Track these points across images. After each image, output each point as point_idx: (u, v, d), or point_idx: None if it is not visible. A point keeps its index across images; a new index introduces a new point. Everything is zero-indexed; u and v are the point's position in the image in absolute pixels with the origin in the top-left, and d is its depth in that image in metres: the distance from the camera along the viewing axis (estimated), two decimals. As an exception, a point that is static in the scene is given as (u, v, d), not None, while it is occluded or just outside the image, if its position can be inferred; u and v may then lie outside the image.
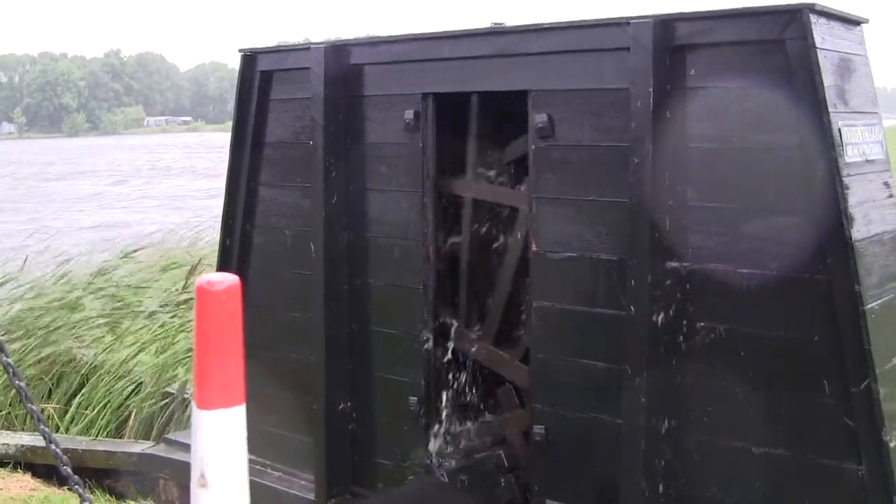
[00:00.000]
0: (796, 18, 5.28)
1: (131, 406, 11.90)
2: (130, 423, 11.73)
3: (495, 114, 7.13)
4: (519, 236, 6.92)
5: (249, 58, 8.08)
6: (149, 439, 10.95)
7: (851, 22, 5.69)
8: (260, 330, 7.90)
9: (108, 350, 12.95)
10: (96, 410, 11.98)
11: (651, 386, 5.84)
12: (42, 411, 11.78)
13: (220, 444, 3.22)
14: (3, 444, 10.46)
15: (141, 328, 13.48)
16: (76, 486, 4.12)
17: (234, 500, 3.24)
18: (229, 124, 8.50)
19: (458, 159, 7.27)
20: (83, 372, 12.66)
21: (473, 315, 7.41)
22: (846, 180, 5.22)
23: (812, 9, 5.26)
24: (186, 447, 8.18)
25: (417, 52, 7.14)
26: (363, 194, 7.49)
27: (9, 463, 10.26)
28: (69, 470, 4.18)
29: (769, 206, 5.51)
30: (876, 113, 5.79)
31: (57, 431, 11.77)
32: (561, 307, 6.42)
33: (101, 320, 13.93)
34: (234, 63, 8.26)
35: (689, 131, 5.76)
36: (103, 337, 13.46)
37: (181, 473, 8.86)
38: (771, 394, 5.58)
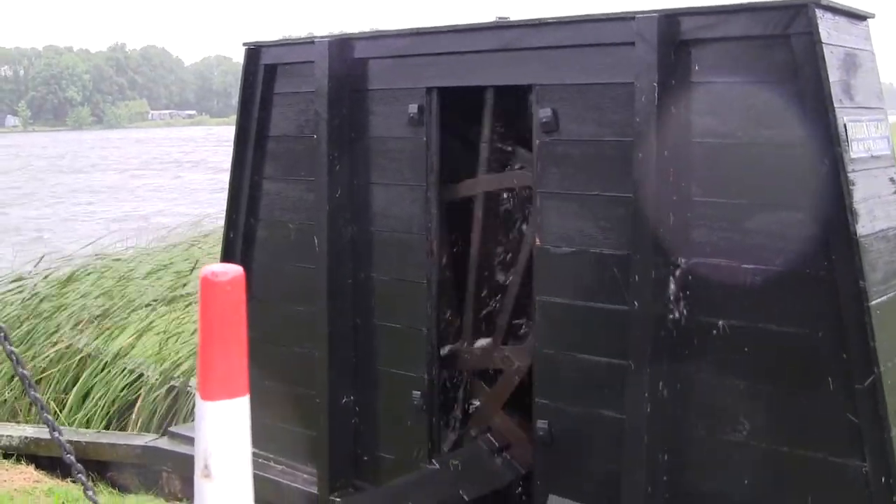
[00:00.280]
0: (802, 13, 5.27)
1: (134, 398, 11.92)
2: (134, 415, 11.74)
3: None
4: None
5: (253, 52, 8.08)
6: (149, 432, 10.97)
7: (857, 17, 5.68)
8: (264, 323, 7.90)
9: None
10: (95, 401, 12.00)
11: (654, 381, 5.84)
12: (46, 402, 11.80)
13: (223, 435, 3.22)
14: (7, 435, 10.47)
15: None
16: (79, 475, 4.12)
17: (238, 490, 3.23)
18: (234, 118, 8.50)
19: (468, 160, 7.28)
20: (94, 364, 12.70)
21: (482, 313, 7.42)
22: (851, 176, 5.21)
23: (818, 4, 5.25)
24: (190, 440, 8.19)
25: (421, 46, 7.14)
26: (367, 188, 7.49)
27: (12, 455, 10.26)
28: (72, 458, 4.18)
29: (774, 202, 5.51)
30: (882, 108, 5.78)
31: (58, 421, 11.79)
32: (564, 302, 6.41)
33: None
34: (239, 57, 8.33)
35: (694, 126, 5.75)
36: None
37: (184, 466, 8.87)
38: (775, 390, 5.57)
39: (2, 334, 4.12)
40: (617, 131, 6.07)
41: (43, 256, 16.80)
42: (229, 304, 3.15)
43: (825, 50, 5.22)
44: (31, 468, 9.88)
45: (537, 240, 6.50)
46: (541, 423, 6.57)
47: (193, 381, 11.13)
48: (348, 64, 7.47)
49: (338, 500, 7.53)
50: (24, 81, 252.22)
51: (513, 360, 7.14)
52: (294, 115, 7.90)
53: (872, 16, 5.80)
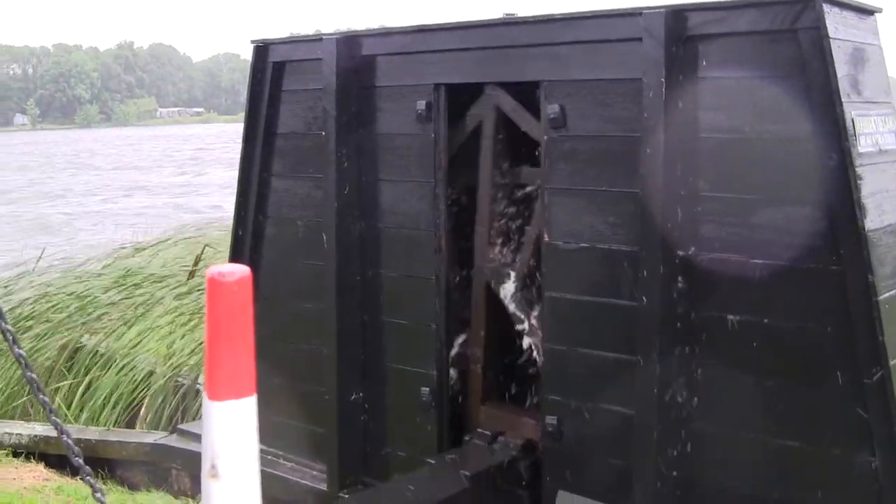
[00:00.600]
0: (809, 8, 5.26)
1: (143, 395, 11.93)
2: (142, 412, 11.75)
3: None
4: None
5: (262, 49, 8.08)
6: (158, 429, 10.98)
7: (865, 11, 5.66)
8: (272, 320, 7.91)
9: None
10: (104, 399, 12.03)
11: (663, 376, 5.84)
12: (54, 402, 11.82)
13: (230, 435, 3.22)
14: (17, 433, 10.49)
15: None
16: (87, 477, 4.13)
17: (245, 490, 3.24)
18: (242, 115, 8.51)
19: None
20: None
21: None
22: (859, 170, 5.20)
23: (825, -2, 5.25)
24: (199, 438, 8.20)
25: (429, 42, 7.13)
26: (375, 185, 7.49)
27: (22, 453, 10.28)
28: (80, 461, 4.18)
29: (782, 197, 5.50)
30: (889, 103, 5.76)
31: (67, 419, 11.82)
32: (573, 298, 6.41)
33: None
34: (247, 54, 8.27)
35: (701, 122, 5.74)
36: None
37: (193, 464, 8.87)
38: (783, 384, 5.57)
39: None
40: (624, 127, 6.06)
41: (42, 250, 16.81)
42: (236, 305, 3.15)
43: (833, 45, 5.21)
44: (41, 466, 9.90)
45: (545, 236, 6.50)
46: (549, 419, 6.57)
47: (202, 378, 11.14)
48: (356, 61, 7.47)
49: (346, 496, 7.53)
50: (32, 80, 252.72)
51: None
52: (302, 112, 7.90)
53: (880, 10, 5.79)
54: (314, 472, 8.01)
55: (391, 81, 7.37)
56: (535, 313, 6.97)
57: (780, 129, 5.47)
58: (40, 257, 17.03)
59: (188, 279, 14.87)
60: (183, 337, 12.79)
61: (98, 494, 4.02)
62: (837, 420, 5.40)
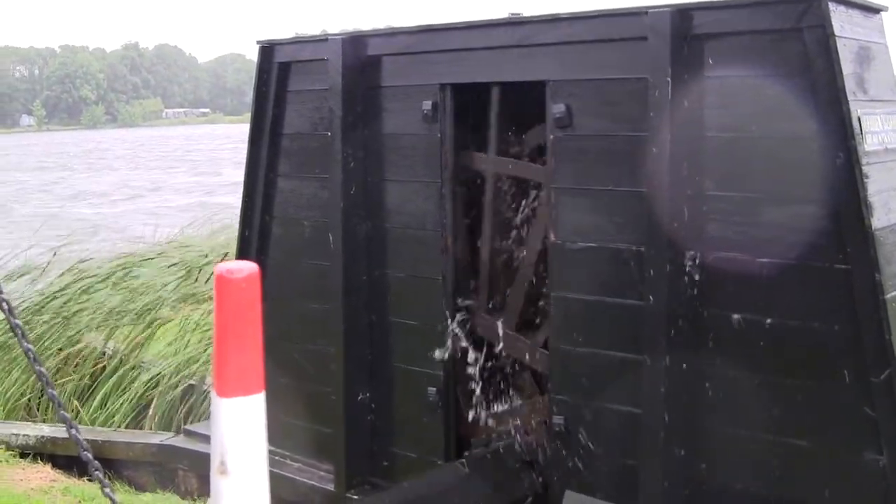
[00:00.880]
0: (814, 6, 5.26)
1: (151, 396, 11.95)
2: (151, 411, 11.77)
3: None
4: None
5: (267, 49, 8.09)
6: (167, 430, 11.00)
7: (870, 10, 5.66)
8: (279, 321, 7.91)
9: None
10: (112, 400, 12.04)
11: (670, 375, 5.84)
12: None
13: (239, 432, 3.23)
14: (24, 434, 10.49)
15: None
16: (96, 472, 4.13)
17: (254, 486, 3.24)
18: (248, 116, 8.52)
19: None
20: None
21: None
22: (866, 169, 5.20)
23: (830, -3, 5.25)
24: (206, 438, 8.21)
25: (434, 42, 7.14)
26: (381, 185, 7.49)
27: (29, 454, 10.29)
28: (90, 455, 4.19)
29: (788, 196, 5.50)
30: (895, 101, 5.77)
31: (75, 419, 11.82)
32: (580, 297, 6.41)
33: None
34: (253, 55, 8.29)
35: (707, 121, 5.74)
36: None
37: (200, 464, 8.88)
38: (790, 383, 5.57)
39: (6, 306, 4.12)
40: (630, 126, 6.06)
41: (55, 253, 16.77)
42: (244, 301, 3.16)
43: (838, 43, 5.21)
44: (48, 467, 9.90)
45: (551, 235, 6.50)
46: (557, 419, 6.57)
47: (209, 379, 11.13)
48: (362, 61, 7.47)
49: (354, 497, 7.54)
50: (38, 81, 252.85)
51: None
52: (308, 112, 7.91)
53: (886, 9, 5.79)
54: (321, 473, 8.02)
55: (397, 81, 7.37)
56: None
57: (786, 127, 5.47)
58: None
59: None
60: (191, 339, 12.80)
61: (107, 490, 4.03)
62: (845, 419, 5.40)
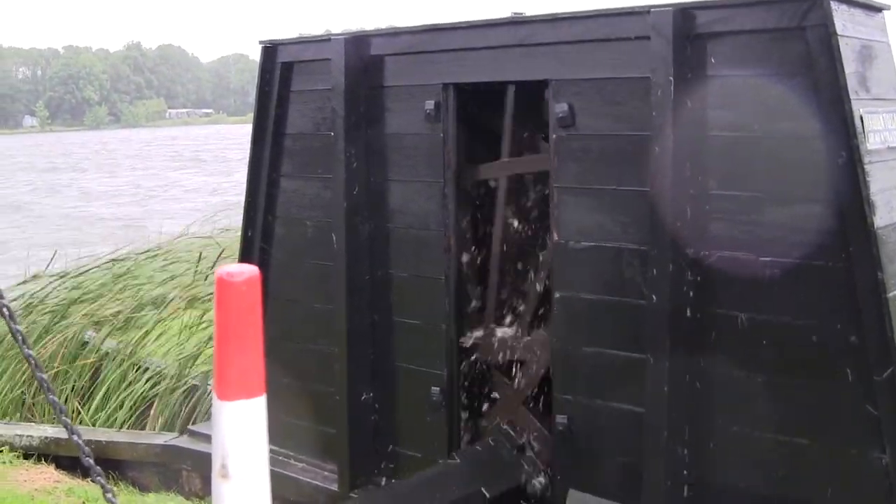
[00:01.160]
0: (817, 5, 5.26)
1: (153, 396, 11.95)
2: (153, 411, 11.77)
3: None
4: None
5: (270, 49, 8.09)
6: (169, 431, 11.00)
7: (873, 9, 5.66)
8: (282, 321, 7.93)
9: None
10: (114, 400, 12.05)
11: (673, 375, 5.84)
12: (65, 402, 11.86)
13: (241, 435, 3.23)
14: (28, 436, 10.50)
15: None
16: (98, 478, 4.13)
17: (256, 490, 3.24)
18: (251, 116, 8.52)
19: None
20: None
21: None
22: (868, 168, 5.20)
23: (833, -5, 5.25)
24: (210, 439, 8.21)
25: (437, 42, 7.14)
26: (384, 185, 7.49)
27: (33, 455, 10.29)
28: (91, 461, 4.18)
29: (790, 195, 5.50)
30: (898, 100, 5.77)
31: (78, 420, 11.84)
32: (583, 297, 6.42)
33: None
34: (256, 55, 8.28)
35: (710, 120, 5.74)
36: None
37: (204, 465, 8.88)
38: (793, 382, 5.57)
39: (7, 312, 4.11)
40: (633, 125, 6.07)
41: (54, 253, 16.79)
42: (245, 305, 3.16)
43: (840, 42, 5.21)
44: (52, 468, 9.90)
45: (555, 234, 6.50)
46: (560, 418, 6.57)
47: (211, 381, 11.13)
48: (364, 61, 7.47)
49: (356, 496, 7.54)
50: (41, 82, 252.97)
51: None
52: (311, 112, 7.91)
53: (888, 7, 5.79)
54: (325, 473, 8.02)
55: (400, 81, 7.37)
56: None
57: (788, 126, 5.47)
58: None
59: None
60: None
61: (109, 495, 4.03)
62: (847, 417, 5.40)
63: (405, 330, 7.51)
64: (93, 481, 4.36)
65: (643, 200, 5.98)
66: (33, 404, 12.59)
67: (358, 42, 7.48)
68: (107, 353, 12.93)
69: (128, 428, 11.61)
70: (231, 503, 3.22)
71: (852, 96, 5.20)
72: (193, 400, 11.56)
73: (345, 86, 7.41)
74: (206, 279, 14.42)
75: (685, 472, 5.94)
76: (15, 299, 14.51)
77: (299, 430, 8.12)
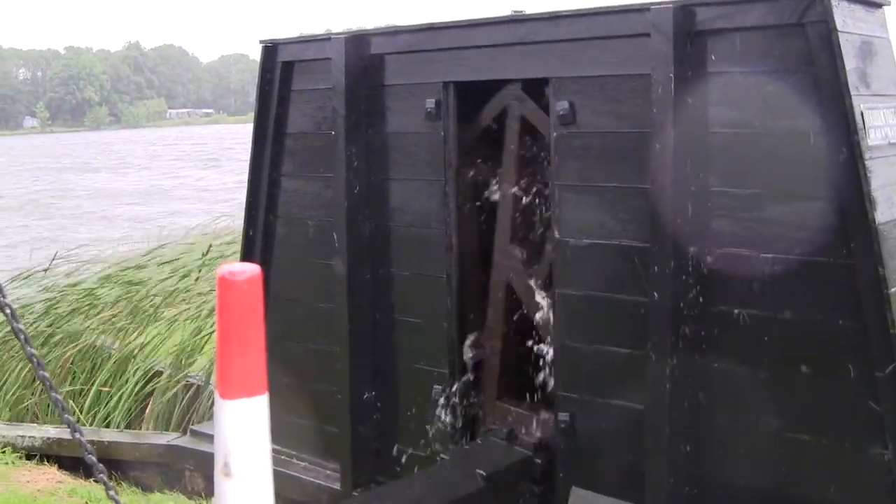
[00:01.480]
0: (817, 2, 5.26)
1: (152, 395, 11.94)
2: (149, 410, 11.76)
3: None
4: None
5: (270, 49, 8.09)
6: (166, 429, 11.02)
7: (873, 4, 5.65)
8: (284, 320, 7.93)
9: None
10: (114, 399, 12.03)
11: (675, 371, 5.84)
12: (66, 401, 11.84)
13: (243, 434, 3.23)
14: (30, 436, 10.50)
15: None
16: (101, 475, 4.13)
17: (258, 488, 3.24)
18: (251, 116, 8.53)
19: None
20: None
21: None
22: (869, 163, 5.20)
23: (833, -8, 5.25)
24: (212, 438, 8.22)
25: (437, 40, 7.14)
26: (385, 184, 7.49)
27: (35, 455, 10.29)
28: (93, 458, 4.18)
29: (791, 191, 5.50)
30: (898, 96, 5.76)
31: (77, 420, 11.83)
32: (584, 294, 6.42)
33: None
34: (256, 54, 8.28)
35: (711, 117, 5.74)
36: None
37: (207, 464, 8.88)
38: (795, 378, 5.56)
39: (9, 311, 4.11)
40: (634, 123, 6.06)
41: (56, 252, 16.78)
42: (247, 304, 3.15)
43: (841, 38, 5.21)
44: (54, 469, 9.90)
45: (556, 232, 6.50)
46: (562, 416, 6.57)
47: (213, 380, 11.13)
48: (365, 60, 7.48)
49: (357, 495, 7.54)
50: (41, 83, 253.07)
51: None
52: (311, 111, 7.91)
53: (888, 3, 5.78)
54: (327, 472, 8.02)
55: (400, 80, 7.38)
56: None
57: (789, 123, 5.47)
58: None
59: None
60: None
61: (112, 493, 4.02)
62: (850, 414, 5.40)
63: (407, 329, 7.51)
64: (95, 480, 4.36)
65: (644, 198, 5.98)
66: (38, 406, 12.58)
67: (358, 41, 7.48)
68: (108, 354, 12.90)
69: (124, 425, 11.59)
70: (234, 501, 3.22)
71: (853, 92, 5.20)
72: (188, 396, 11.55)
73: (345, 85, 7.41)
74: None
75: (687, 469, 5.94)
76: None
77: (301, 429, 8.13)
